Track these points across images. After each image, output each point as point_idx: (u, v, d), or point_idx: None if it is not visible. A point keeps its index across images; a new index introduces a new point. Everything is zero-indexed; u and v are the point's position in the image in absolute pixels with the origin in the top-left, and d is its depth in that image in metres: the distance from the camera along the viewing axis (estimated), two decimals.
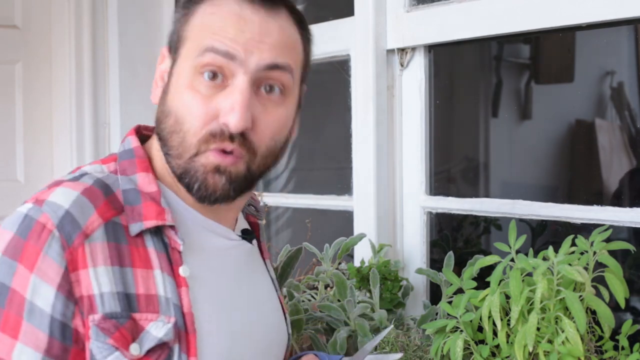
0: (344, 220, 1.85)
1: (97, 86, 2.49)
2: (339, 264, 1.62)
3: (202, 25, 0.92)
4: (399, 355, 1.07)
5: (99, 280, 0.85)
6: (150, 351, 0.86)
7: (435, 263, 1.70)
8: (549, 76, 1.70)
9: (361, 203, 1.74)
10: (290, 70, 0.94)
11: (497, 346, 1.16)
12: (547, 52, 1.70)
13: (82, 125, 2.49)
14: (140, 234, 0.90)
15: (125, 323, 0.85)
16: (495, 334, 1.15)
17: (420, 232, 1.69)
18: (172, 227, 0.91)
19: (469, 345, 1.18)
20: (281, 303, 1.10)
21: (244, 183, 0.93)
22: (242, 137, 0.90)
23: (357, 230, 1.73)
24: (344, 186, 1.88)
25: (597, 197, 1.54)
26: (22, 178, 2.55)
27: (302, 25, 0.99)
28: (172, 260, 0.91)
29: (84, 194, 0.88)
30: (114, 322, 0.85)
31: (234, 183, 0.91)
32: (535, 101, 1.71)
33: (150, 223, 0.90)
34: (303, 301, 1.46)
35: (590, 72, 1.58)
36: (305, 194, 2.06)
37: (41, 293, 0.83)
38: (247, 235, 1.05)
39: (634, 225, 1.33)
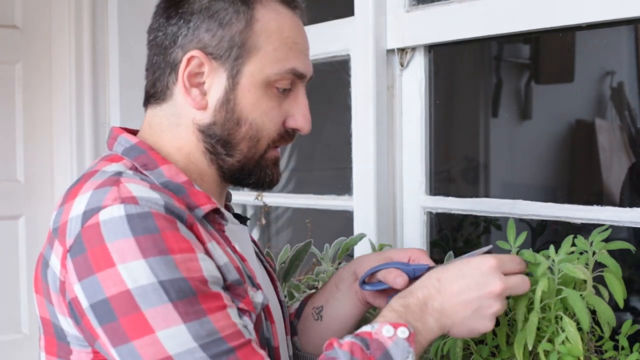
0: (344, 220, 1.85)
1: (97, 86, 2.49)
2: (339, 264, 1.62)
3: (271, 34, 0.96)
4: (489, 247, 1.05)
5: (216, 253, 0.89)
6: (257, 316, 0.92)
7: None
8: (549, 76, 1.70)
9: (361, 203, 1.74)
10: None
11: (497, 346, 1.16)
12: (547, 52, 1.70)
13: (82, 125, 2.49)
14: (201, 219, 0.93)
15: (244, 290, 0.90)
16: (495, 334, 1.15)
17: (420, 232, 1.69)
18: (215, 210, 0.95)
19: (469, 345, 1.18)
20: (269, 273, 1.13)
21: None
22: None
23: (357, 230, 1.73)
24: (344, 186, 1.88)
25: (597, 197, 1.54)
26: (22, 178, 2.55)
27: None
28: (225, 240, 0.96)
29: (154, 189, 0.88)
30: (242, 288, 0.89)
31: None
32: (535, 101, 1.71)
33: (207, 207, 0.93)
34: None
35: (590, 72, 1.58)
36: (305, 194, 2.06)
37: (209, 264, 0.86)
38: (240, 219, 1.09)
39: (634, 225, 1.33)
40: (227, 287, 0.88)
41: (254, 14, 0.95)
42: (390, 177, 1.72)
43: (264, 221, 2.28)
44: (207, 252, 0.88)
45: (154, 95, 1.02)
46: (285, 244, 1.52)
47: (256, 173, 1.00)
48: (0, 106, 2.51)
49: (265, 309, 0.95)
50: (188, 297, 0.81)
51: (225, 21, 0.95)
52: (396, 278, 1.06)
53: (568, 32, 1.47)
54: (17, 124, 2.53)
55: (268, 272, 1.13)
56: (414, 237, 1.70)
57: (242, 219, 1.09)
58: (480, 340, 1.19)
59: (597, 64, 1.54)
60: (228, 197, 1.13)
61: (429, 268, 1.03)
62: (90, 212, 0.83)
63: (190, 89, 0.96)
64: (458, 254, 1.44)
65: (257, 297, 0.93)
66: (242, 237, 1.04)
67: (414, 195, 1.70)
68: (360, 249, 1.70)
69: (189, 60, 0.95)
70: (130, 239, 0.81)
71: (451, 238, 1.75)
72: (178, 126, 0.98)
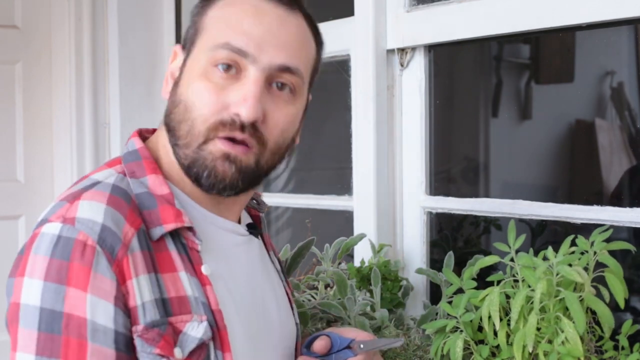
0: (344, 220, 1.85)
1: (97, 86, 2.49)
2: (339, 264, 1.62)
3: (218, 18, 0.94)
4: (401, 341, 1.09)
5: (141, 290, 0.85)
6: (191, 352, 0.87)
7: (435, 263, 1.70)
8: (549, 76, 1.70)
9: (361, 203, 1.74)
10: (301, 75, 0.95)
11: (497, 346, 1.16)
12: (547, 52, 1.70)
13: (82, 125, 2.49)
14: (161, 238, 0.90)
15: (166, 329, 0.85)
16: (495, 334, 1.15)
17: (420, 232, 1.69)
18: (189, 228, 0.92)
19: (469, 345, 1.18)
20: (288, 295, 1.11)
21: (252, 175, 0.94)
22: (253, 128, 0.91)
23: (357, 230, 1.73)
24: (344, 186, 1.88)
25: (597, 197, 1.54)
26: (22, 178, 2.55)
27: (316, 30, 1.01)
28: (192, 261, 0.91)
29: (110, 204, 0.87)
30: (157, 331, 0.85)
31: (242, 173, 0.92)
32: (535, 101, 1.71)
33: (170, 226, 0.90)
34: (303, 301, 1.46)
35: (590, 72, 1.58)
36: (305, 194, 2.06)
37: (101, 310, 0.82)
38: (253, 229, 1.06)
39: (634, 225, 1.33)
40: (134, 332, 0.84)
41: (216, 2, 0.96)
42: (390, 177, 1.72)
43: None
44: (126, 292, 0.84)
45: None
46: (285, 244, 1.51)
47: (195, 166, 0.92)
48: (0, 106, 2.51)
49: (218, 338, 0.89)
50: (53, 332, 0.80)
51: (193, 12, 0.98)
52: (318, 342, 1.06)
53: (568, 32, 1.47)
54: (17, 124, 2.53)
55: (286, 292, 1.11)
56: (414, 237, 1.70)
57: (253, 227, 1.06)
58: (480, 340, 1.19)
59: (597, 64, 1.54)
60: (255, 206, 1.12)
61: (352, 341, 1.06)
62: (40, 223, 0.87)
63: (169, 81, 0.98)
64: (458, 254, 1.45)
65: (197, 331, 0.87)
66: (240, 252, 1.01)
67: (414, 195, 1.70)
68: (360, 249, 1.70)
69: (174, 54, 0.99)
70: (46, 257, 0.82)
71: (451, 238, 1.75)
72: (161, 124, 0.98)
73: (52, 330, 0.80)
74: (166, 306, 0.86)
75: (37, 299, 0.81)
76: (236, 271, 0.99)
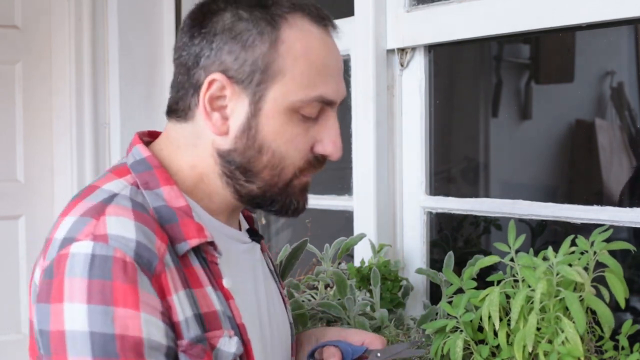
0: (344, 220, 1.85)
1: (97, 86, 2.49)
2: (339, 264, 1.62)
3: (298, 60, 0.90)
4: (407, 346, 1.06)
5: (182, 306, 0.85)
6: None
7: (435, 263, 1.70)
8: (549, 76, 1.70)
9: (361, 203, 1.74)
10: None
11: (497, 346, 1.16)
12: (547, 52, 1.70)
13: (82, 125, 2.49)
14: (185, 253, 0.89)
15: (207, 345, 0.85)
16: (495, 334, 1.15)
17: (420, 232, 1.69)
18: (210, 242, 0.91)
19: (469, 345, 1.18)
20: (281, 293, 1.11)
21: None
22: None
23: (357, 230, 1.73)
24: (344, 186, 1.88)
25: (597, 197, 1.54)
26: (22, 178, 2.55)
27: None
28: (214, 274, 0.91)
29: (138, 220, 0.85)
30: (200, 347, 0.84)
31: None
32: (535, 101, 1.71)
33: (194, 242, 0.89)
34: (303, 301, 1.46)
35: (590, 72, 1.58)
36: None
37: (154, 327, 0.81)
38: (254, 235, 1.06)
39: (634, 225, 1.33)
40: (179, 346, 0.84)
41: (279, 34, 0.89)
42: (390, 177, 1.72)
43: (263, 221, 2.28)
44: (168, 307, 0.83)
45: (175, 112, 0.96)
46: (285, 243, 1.52)
47: (280, 201, 0.95)
48: (0, 106, 2.51)
49: (244, 352, 0.90)
50: (110, 356, 0.78)
51: (248, 43, 0.89)
52: (329, 357, 1.05)
53: (568, 32, 1.47)
54: (17, 124, 2.54)
55: (280, 293, 1.11)
56: (414, 237, 1.70)
57: (255, 234, 1.06)
58: (480, 340, 1.19)
59: (597, 64, 1.54)
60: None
61: (367, 350, 1.03)
62: (66, 242, 0.83)
63: (212, 113, 0.91)
64: (458, 254, 1.45)
65: (230, 346, 0.88)
66: (246, 260, 1.01)
67: (414, 195, 1.70)
68: (360, 249, 1.70)
69: (210, 84, 0.90)
70: (84, 279, 0.79)
71: (451, 238, 1.75)
72: (195, 146, 0.94)
73: (108, 353, 0.78)
74: (203, 322, 0.86)
75: (84, 324, 0.78)
76: (245, 281, 0.99)
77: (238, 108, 0.91)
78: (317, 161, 0.95)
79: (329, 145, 0.94)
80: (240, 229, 1.04)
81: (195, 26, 0.92)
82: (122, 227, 0.83)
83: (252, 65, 0.89)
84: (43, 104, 2.57)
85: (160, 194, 0.90)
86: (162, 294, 0.83)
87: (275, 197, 0.94)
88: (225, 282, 0.91)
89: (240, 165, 0.92)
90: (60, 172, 2.57)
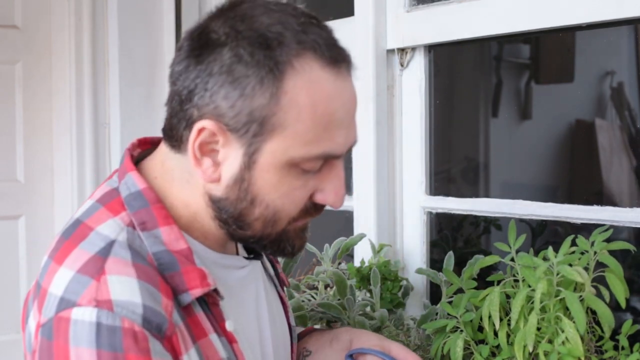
0: (344, 220, 1.85)
1: (97, 86, 2.49)
2: (339, 264, 1.62)
3: (302, 113, 0.80)
4: None
5: None
6: None
7: (435, 263, 1.70)
8: (549, 76, 1.70)
9: (361, 203, 1.74)
10: None
11: (498, 346, 1.16)
12: (547, 52, 1.69)
13: (82, 125, 2.49)
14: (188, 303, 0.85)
15: None
16: (495, 334, 1.15)
17: (420, 232, 1.69)
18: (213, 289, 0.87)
19: (469, 345, 1.18)
20: (282, 298, 1.09)
21: None
22: None
23: (357, 230, 1.73)
24: None
25: (597, 197, 1.54)
26: (22, 178, 2.55)
27: None
28: (217, 318, 0.88)
29: (141, 277, 0.80)
30: None
31: None
32: (535, 101, 1.71)
33: (197, 292, 0.84)
34: (303, 301, 1.46)
35: (590, 72, 1.58)
36: None
37: None
38: (252, 254, 1.02)
39: (634, 225, 1.33)
40: None
41: (282, 85, 0.79)
42: (390, 177, 1.72)
43: None
44: None
45: (170, 138, 0.88)
46: None
47: (274, 245, 0.90)
48: (0, 106, 2.51)
49: None
50: None
51: (246, 92, 0.80)
52: None
53: (568, 32, 1.47)
54: (17, 124, 2.54)
55: (280, 296, 1.08)
56: (414, 237, 1.70)
57: (252, 251, 1.01)
58: (480, 340, 1.19)
59: (597, 64, 1.54)
60: None
61: None
62: (65, 303, 0.78)
63: (202, 159, 0.84)
64: (458, 254, 1.45)
65: None
66: (246, 286, 0.97)
67: (414, 195, 1.70)
68: (360, 249, 1.70)
69: (199, 131, 0.82)
70: (93, 350, 0.75)
71: (451, 238, 1.75)
72: (188, 183, 0.88)
73: None
74: None
75: None
76: (246, 309, 0.96)
77: (231, 157, 0.83)
78: (315, 209, 0.88)
79: (330, 195, 0.87)
80: (237, 250, 1.00)
81: (191, 57, 0.83)
82: (126, 290, 0.78)
83: (249, 116, 0.80)
84: (43, 104, 2.57)
85: (159, 236, 0.85)
86: (175, 354, 0.80)
87: (269, 243, 0.89)
88: (228, 325, 0.88)
89: (232, 215, 0.87)
90: (60, 172, 2.57)
